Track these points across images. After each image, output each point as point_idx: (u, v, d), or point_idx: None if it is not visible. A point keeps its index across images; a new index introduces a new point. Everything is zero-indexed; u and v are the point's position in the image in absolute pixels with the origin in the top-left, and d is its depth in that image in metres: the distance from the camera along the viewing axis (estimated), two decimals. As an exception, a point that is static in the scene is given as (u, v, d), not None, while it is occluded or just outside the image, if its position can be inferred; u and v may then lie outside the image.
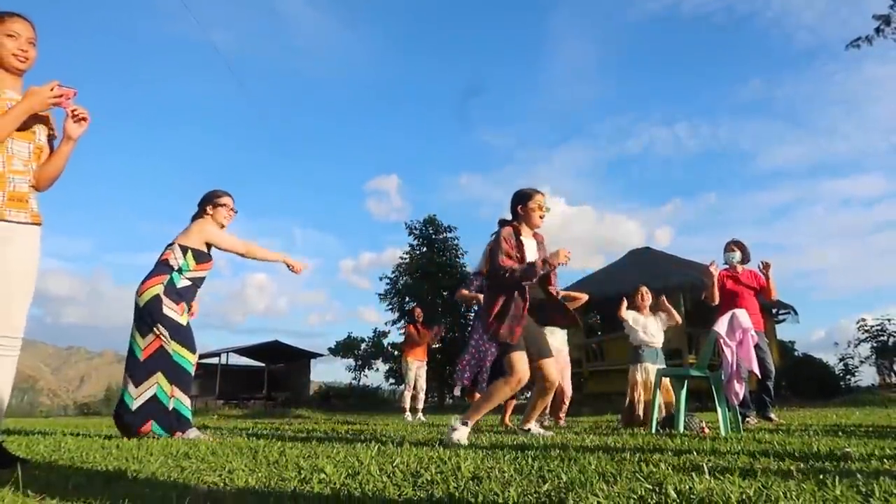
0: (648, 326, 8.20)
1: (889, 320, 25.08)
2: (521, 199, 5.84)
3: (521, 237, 5.67)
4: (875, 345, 25.20)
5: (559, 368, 9.33)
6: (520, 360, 5.35)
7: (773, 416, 8.66)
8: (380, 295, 36.89)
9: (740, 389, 6.55)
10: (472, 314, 30.62)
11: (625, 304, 8.34)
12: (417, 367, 14.27)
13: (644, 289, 8.56)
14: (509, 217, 5.89)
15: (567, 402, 9.35)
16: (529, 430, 6.36)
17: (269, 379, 38.97)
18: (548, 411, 9.13)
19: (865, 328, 25.61)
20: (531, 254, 5.65)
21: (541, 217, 5.80)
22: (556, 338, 9.37)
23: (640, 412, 7.72)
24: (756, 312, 8.82)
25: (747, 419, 8.02)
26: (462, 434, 5.15)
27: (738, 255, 9.20)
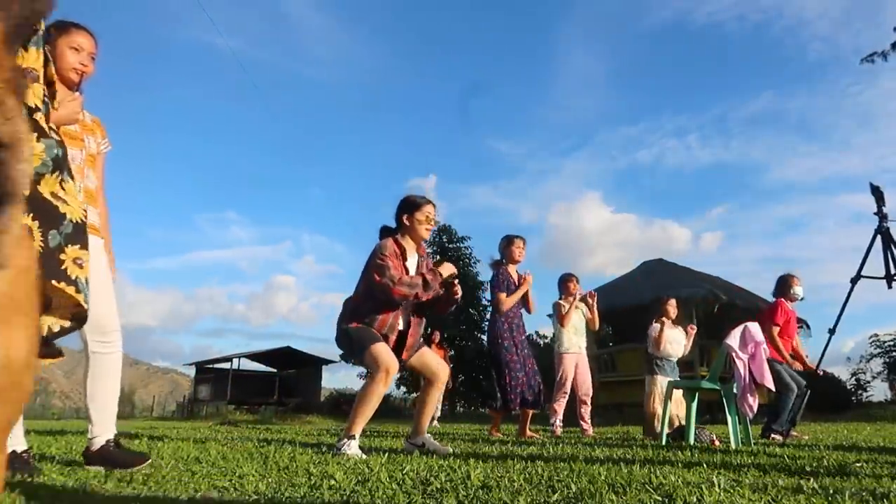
0: (674, 338, 8.26)
1: (902, 335, 24.98)
2: (409, 208, 5.30)
3: (406, 251, 5.27)
4: (887, 360, 25.08)
5: (582, 365, 9.28)
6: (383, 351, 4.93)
7: (776, 436, 8.52)
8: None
9: (754, 402, 6.53)
10: (486, 324, 30.54)
11: (665, 323, 8.34)
12: None
13: (673, 301, 8.60)
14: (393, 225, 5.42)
15: (588, 404, 9.30)
16: (423, 444, 5.48)
17: (280, 384, 38.99)
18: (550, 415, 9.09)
19: (878, 343, 25.51)
20: (413, 271, 5.30)
21: (427, 230, 5.34)
22: (581, 338, 9.34)
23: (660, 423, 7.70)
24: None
25: (773, 437, 7.91)
26: (352, 447, 4.80)
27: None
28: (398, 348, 5.24)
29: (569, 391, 9.02)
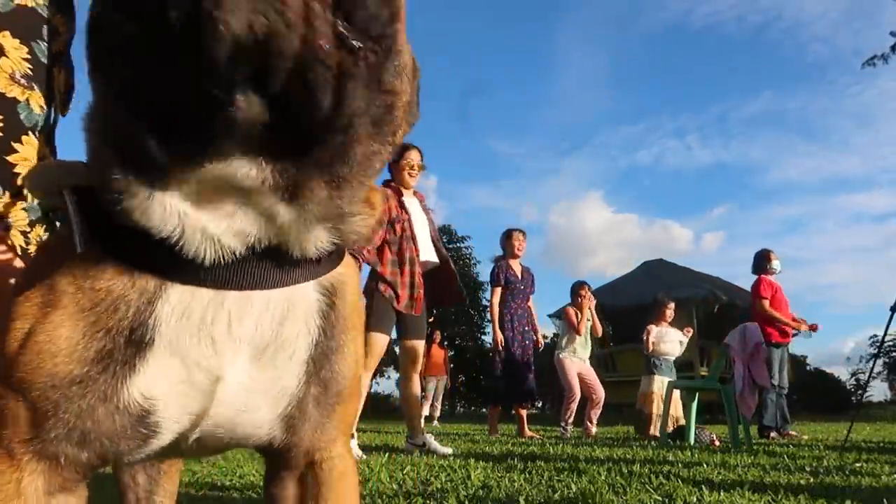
0: (669, 337, 8.33)
1: (902, 336, 25.01)
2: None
3: (403, 197, 5.26)
4: (887, 360, 25.11)
5: (587, 372, 9.30)
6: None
7: (774, 434, 8.50)
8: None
9: (753, 403, 6.55)
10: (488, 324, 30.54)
11: (660, 325, 8.49)
12: (437, 382, 15.16)
13: (672, 304, 8.72)
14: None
15: (599, 407, 9.33)
16: (424, 443, 5.55)
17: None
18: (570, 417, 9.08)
19: (878, 343, 25.51)
20: (415, 213, 5.28)
21: (410, 175, 5.34)
22: (586, 350, 9.38)
23: (655, 424, 7.74)
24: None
25: (772, 435, 7.92)
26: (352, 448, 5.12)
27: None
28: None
29: (578, 396, 9.02)
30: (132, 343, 0.77)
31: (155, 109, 0.68)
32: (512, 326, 8.20)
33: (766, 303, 8.32)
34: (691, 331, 8.97)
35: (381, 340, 4.98)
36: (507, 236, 8.37)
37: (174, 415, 0.81)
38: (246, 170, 0.72)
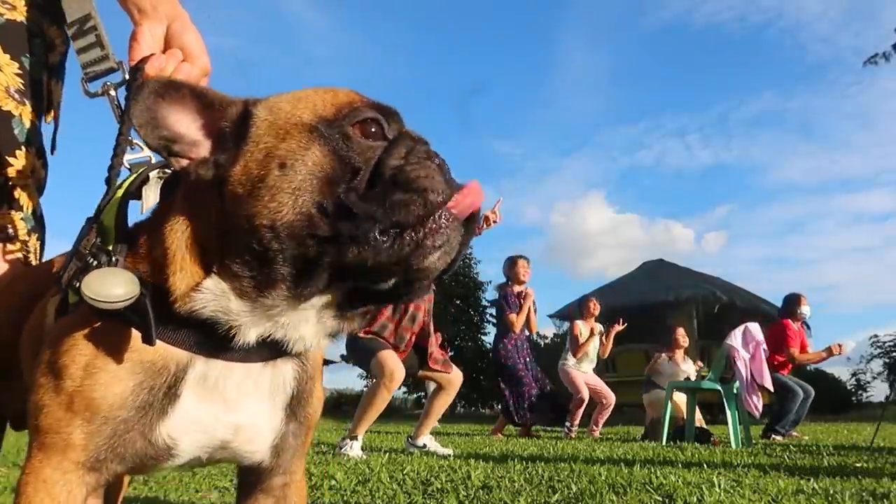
0: (679, 371, 8.35)
1: (902, 336, 24.95)
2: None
3: None
4: (887, 360, 25.07)
5: (593, 378, 9.36)
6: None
7: (777, 436, 8.48)
8: (392, 302, 36.84)
9: (758, 402, 6.54)
10: (489, 325, 30.40)
11: (670, 356, 8.53)
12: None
13: (681, 329, 8.75)
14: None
15: (609, 410, 9.38)
16: (425, 444, 5.77)
17: (279, 385, 38.78)
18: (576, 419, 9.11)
19: (878, 344, 25.48)
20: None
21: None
22: (591, 364, 9.41)
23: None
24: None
25: (774, 437, 7.90)
26: (354, 448, 5.27)
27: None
28: (422, 358, 5.64)
29: (586, 400, 9.04)
30: (166, 397, 1.02)
31: (311, 268, 0.96)
32: (515, 356, 8.30)
33: (796, 351, 8.31)
34: (701, 365, 9.04)
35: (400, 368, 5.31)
36: (512, 264, 8.40)
37: (188, 449, 1.08)
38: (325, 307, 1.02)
